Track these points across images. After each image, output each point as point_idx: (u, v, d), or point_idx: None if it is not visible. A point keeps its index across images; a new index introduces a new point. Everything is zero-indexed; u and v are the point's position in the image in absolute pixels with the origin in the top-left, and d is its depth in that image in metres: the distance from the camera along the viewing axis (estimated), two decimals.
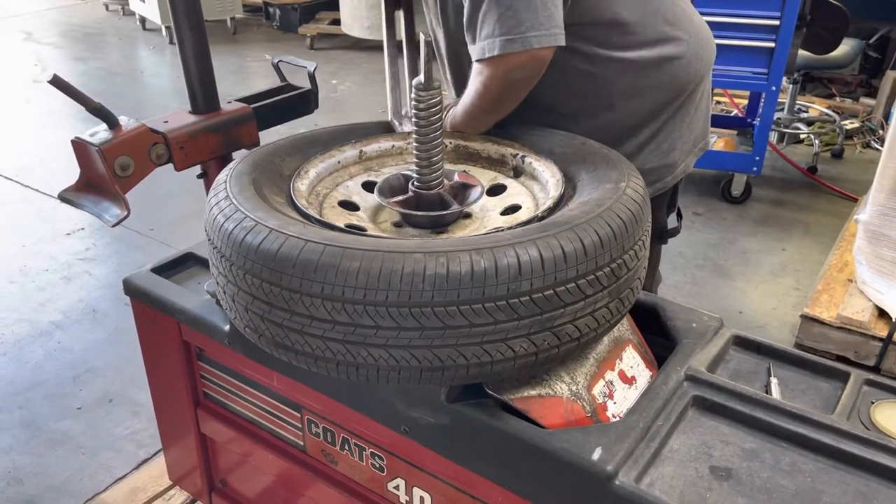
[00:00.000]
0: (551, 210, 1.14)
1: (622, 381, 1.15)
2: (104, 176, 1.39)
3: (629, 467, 0.96)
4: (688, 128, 1.58)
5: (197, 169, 1.62)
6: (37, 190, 4.10)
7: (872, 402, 1.09)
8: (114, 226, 1.39)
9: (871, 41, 5.09)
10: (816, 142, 4.33)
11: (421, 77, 1.15)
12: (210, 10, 6.75)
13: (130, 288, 1.47)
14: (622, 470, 0.96)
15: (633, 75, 1.46)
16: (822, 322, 2.58)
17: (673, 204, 1.71)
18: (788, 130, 4.50)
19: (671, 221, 1.75)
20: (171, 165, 1.52)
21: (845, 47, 4.20)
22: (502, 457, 1.05)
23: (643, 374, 1.19)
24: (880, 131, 4.64)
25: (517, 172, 1.33)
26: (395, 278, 0.91)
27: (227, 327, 1.29)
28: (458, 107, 1.41)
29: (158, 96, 5.84)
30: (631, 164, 1.21)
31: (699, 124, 1.62)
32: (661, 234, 1.69)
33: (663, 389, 1.09)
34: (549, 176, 1.25)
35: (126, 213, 1.39)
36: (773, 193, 4.05)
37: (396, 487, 1.24)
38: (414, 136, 1.20)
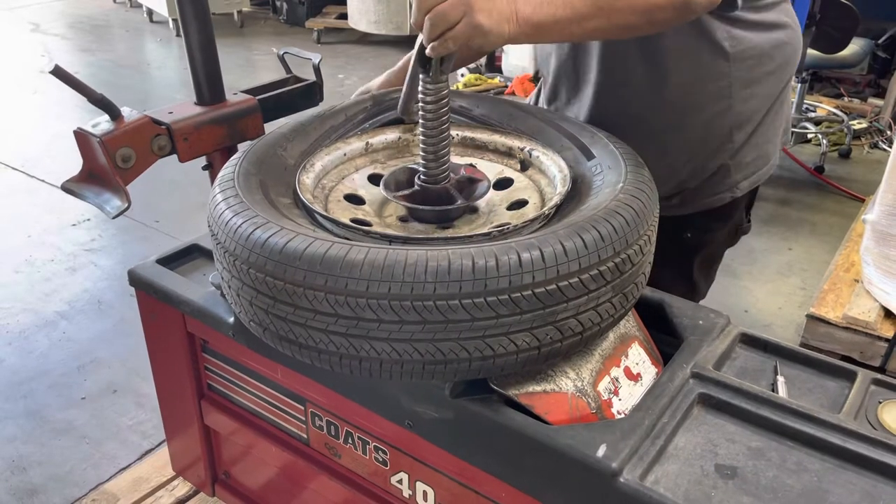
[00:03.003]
0: (557, 207, 1.14)
1: (628, 377, 1.15)
2: (105, 167, 1.39)
3: (634, 464, 0.96)
4: (782, 119, 1.51)
5: (202, 160, 1.62)
6: (43, 180, 4.11)
7: (880, 402, 1.08)
8: (114, 217, 1.39)
9: (881, 41, 5.05)
10: (824, 141, 4.31)
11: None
12: (217, 4, 6.75)
13: (135, 279, 1.47)
14: (627, 467, 0.95)
15: (756, 60, 1.36)
16: (827, 322, 2.57)
17: (752, 201, 1.61)
18: (796, 130, 4.49)
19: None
20: (176, 156, 1.52)
21: (854, 47, 4.18)
22: (506, 452, 1.04)
23: (649, 371, 1.19)
24: (888, 132, 4.62)
25: (524, 166, 1.33)
26: (398, 271, 0.91)
27: (231, 319, 1.29)
28: None
29: (165, 88, 5.84)
30: (637, 159, 1.19)
31: (786, 116, 1.55)
32: (735, 232, 1.59)
33: (669, 387, 1.08)
34: (556, 171, 1.24)
35: (127, 204, 1.39)
36: (779, 193, 4.03)
37: (400, 482, 1.24)
38: (421, 129, 1.19)
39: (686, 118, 1.39)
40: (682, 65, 1.34)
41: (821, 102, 4.88)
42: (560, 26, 1.08)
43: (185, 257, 1.54)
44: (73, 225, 3.66)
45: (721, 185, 1.46)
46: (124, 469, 2.22)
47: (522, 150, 1.33)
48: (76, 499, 2.11)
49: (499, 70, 5.69)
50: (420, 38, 1.11)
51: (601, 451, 0.96)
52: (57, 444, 2.34)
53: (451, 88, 1.22)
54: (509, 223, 1.11)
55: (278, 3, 7.54)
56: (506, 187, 1.29)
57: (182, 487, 1.99)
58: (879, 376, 1.12)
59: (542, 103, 1.64)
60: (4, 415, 2.46)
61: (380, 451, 1.24)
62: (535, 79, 5.21)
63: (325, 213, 1.12)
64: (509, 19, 1.04)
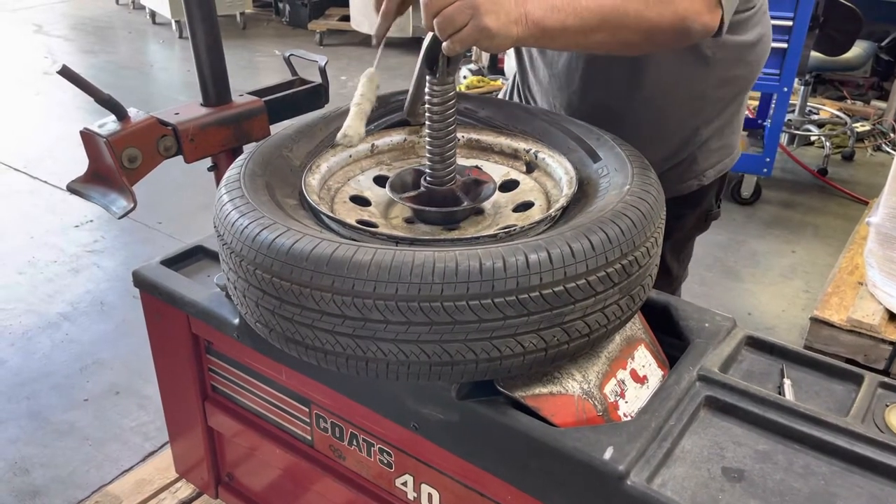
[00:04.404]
0: (564, 209, 1.14)
1: (634, 380, 1.14)
2: (111, 167, 1.39)
3: (641, 467, 0.96)
4: (744, 110, 1.58)
5: (207, 161, 1.62)
6: (45, 181, 4.11)
7: (887, 405, 1.07)
8: (120, 218, 1.39)
9: (884, 44, 5.06)
10: (827, 144, 4.31)
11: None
12: (220, 5, 6.69)
13: (140, 280, 1.46)
14: (634, 470, 0.95)
15: (733, 62, 1.40)
16: (831, 325, 2.57)
17: (722, 187, 1.67)
18: (799, 132, 4.49)
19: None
20: (181, 158, 1.52)
21: (857, 49, 4.18)
22: (512, 455, 1.04)
23: (655, 374, 1.18)
24: (891, 134, 4.62)
25: (530, 168, 1.33)
26: (406, 272, 0.90)
27: (236, 321, 1.29)
28: None
29: (167, 90, 5.85)
30: (643, 160, 1.19)
31: (745, 106, 1.62)
32: (705, 217, 1.65)
33: (675, 389, 1.08)
34: (562, 173, 1.24)
35: (133, 205, 1.39)
36: (783, 195, 4.03)
37: (404, 484, 1.23)
38: (427, 131, 1.19)
39: (661, 115, 1.44)
40: (664, 68, 1.37)
41: (824, 105, 4.88)
42: (567, 34, 1.10)
43: (190, 258, 1.54)
44: (76, 226, 3.67)
45: (688, 172, 1.51)
46: (127, 471, 2.22)
47: (528, 152, 1.33)
48: (79, 501, 2.11)
49: (501, 72, 5.69)
50: (426, 40, 1.11)
51: (608, 454, 0.96)
52: (59, 446, 2.34)
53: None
54: (515, 225, 1.11)
55: (281, 5, 7.55)
56: (511, 189, 1.29)
57: (185, 489, 1.98)
58: (886, 379, 1.12)
59: (518, 94, 1.66)
60: (7, 416, 2.46)
61: (384, 453, 1.23)
62: None
63: (331, 215, 1.12)
64: (518, 21, 1.04)
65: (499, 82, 5.57)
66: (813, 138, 4.56)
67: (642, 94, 1.41)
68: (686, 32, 1.16)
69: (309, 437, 1.35)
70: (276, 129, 1.42)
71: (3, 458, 2.28)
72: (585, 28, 1.09)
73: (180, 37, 6.95)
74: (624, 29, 1.12)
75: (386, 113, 1.43)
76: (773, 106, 3.92)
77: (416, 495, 1.22)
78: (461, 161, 1.32)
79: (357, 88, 1.26)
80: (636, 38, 1.14)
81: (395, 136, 1.39)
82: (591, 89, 1.45)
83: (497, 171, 1.33)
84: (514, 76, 1.68)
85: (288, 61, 1.76)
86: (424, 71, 1.14)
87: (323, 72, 1.73)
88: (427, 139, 1.20)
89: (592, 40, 1.12)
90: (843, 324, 2.54)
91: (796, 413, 1.03)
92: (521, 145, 1.34)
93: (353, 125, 1.22)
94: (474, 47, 1.07)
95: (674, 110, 1.44)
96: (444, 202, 1.20)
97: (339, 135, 1.23)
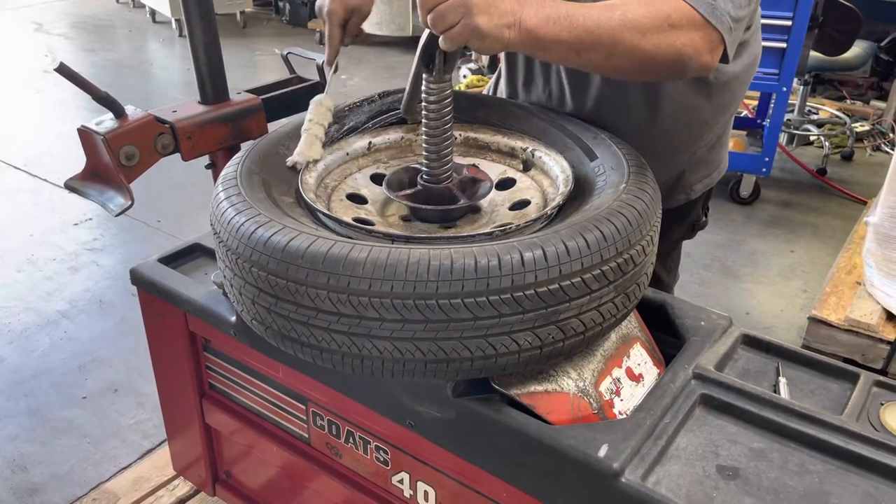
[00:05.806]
0: (560, 208, 1.14)
1: (629, 378, 1.15)
2: (109, 165, 1.40)
3: (636, 465, 0.96)
4: (731, 125, 1.58)
5: (205, 159, 1.62)
6: (45, 180, 4.12)
7: (882, 404, 1.08)
8: (117, 215, 1.39)
9: (883, 44, 5.06)
10: (826, 144, 4.31)
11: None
12: (220, 4, 6.76)
13: (137, 278, 1.47)
14: (628, 467, 0.95)
15: (732, 85, 1.40)
16: (829, 324, 2.57)
17: (708, 198, 1.67)
18: (798, 132, 4.49)
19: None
20: (179, 156, 1.52)
21: (857, 49, 4.18)
22: (508, 452, 1.04)
23: (651, 372, 1.19)
24: (891, 134, 4.62)
25: (527, 166, 1.33)
26: (401, 269, 0.91)
27: (233, 318, 1.29)
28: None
29: (167, 88, 5.85)
30: (639, 159, 1.19)
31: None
32: (692, 227, 1.65)
33: (671, 387, 1.08)
34: (558, 171, 1.24)
35: (130, 202, 1.39)
36: (781, 195, 4.03)
37: (401, 481, 1.23)
38: (424, 129, 1.19)
39: (662, 141, 1.43)
40: (676, 94, 1.37)
41: (823, 105, 4.88)
42: (560, 48, 1.09)
43: (187, 256, 1.54)
44: (75, 224, 3.67)
45: (677, 187, 1.51)
46: (125, 468, 2.22)
47: (525, 150, 1.33)
48: (77, 498, 2.11)
49: None
50: (422, 39, 1.11)
51: (603, 452, 0.96)
52: (58, 443, 2.34)
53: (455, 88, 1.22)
54: (511, 223, 1.11)
55: (281, 4, 7.55)
56: (508, 187, 1.29)
57: (183, 487, 1.99)
58: (882, 378, 1.12)
59: (512, 90, 1.62)
60: (6, 413, 2.46)
61: (381, 451, 1.23)
62: None
63: (327, 212, 1.13)
64: (511, 26, 1.04)
65: None
66: (812, 138, 4.56)
67: (653, 121, 1.40)
68: (681, 69, 1.15)
69: (306, 435, 1.36)
70: (274, 126, 1.42)
71: (1, 455, 2.29)
72: (578, 45, 1.08)
73: (180, 35, 6.95)
74: (618, 54, 1.10)
75: (383, 111, 1.43)
76: (772, 105, 3.92)
77: (412, 493, 1.23)
78: (458, 159, 1.32)
79: (307, 114, 1.28)
80: (628, 66, 1.13)
81: (393, 135, 1.39)
82: (605, 111, 1.42)
83: (494, 169, 1.33)
84: (503, 78, 1.65)
85: (286, 59, 1.76)
86: (421, 69, 1.14)
87: (321, 70, 1.73)
88: (424, 137, 1.20)
89: (585, 58, 1.11)
90: (841, 323, 2.54)
91: (791, 411, 1.04)
92: (518, 143, 1.35)
93: (303, 151, 1.26)
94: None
95: (676, 134, 1.43)
96: (440, 200, 1.20)
97: (290, 160, 1.26)
